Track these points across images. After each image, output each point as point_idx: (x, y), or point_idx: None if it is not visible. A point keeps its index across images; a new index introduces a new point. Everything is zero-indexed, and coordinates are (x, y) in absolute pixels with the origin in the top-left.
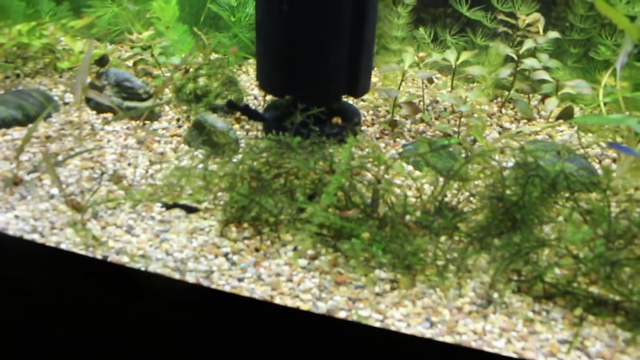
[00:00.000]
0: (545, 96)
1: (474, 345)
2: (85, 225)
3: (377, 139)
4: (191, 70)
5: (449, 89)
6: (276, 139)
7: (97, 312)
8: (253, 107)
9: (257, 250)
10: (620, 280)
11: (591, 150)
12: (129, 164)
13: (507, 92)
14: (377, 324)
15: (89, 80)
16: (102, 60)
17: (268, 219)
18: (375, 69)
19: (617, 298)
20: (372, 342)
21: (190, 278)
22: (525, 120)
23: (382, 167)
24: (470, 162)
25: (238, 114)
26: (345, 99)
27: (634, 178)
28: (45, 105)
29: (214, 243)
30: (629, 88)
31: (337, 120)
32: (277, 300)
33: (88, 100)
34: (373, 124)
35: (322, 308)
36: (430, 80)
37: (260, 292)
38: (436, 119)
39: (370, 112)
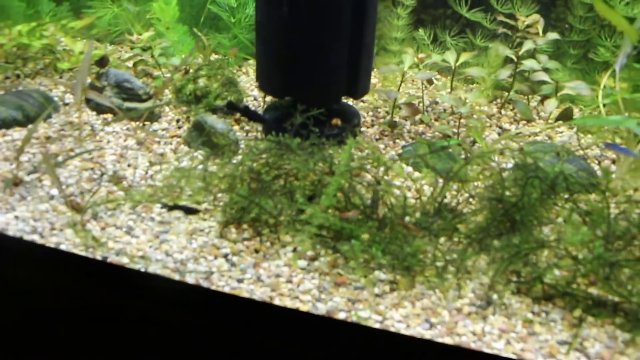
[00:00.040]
0: (544, 97)
1: (473, 346)
2: (85, 226)
3: (376, 140)
4: (191, 71)
5: (449, 90)
6: (276, 140)
7: (97, 313)
8: (253, 108)
9: (256, 251)
10: (619, 281)
11: (590, 152)
12: (129, 165)
13: (506, 93)
14: (377, 325)
15: (89, 81)
16: (102, 61)
17: (268, 220)
18: (375, 70)
19: (617, 299)
20: (372, 343)
21: (189, 279)
22: (524, 122)
23: (382, 169)
24: (470, 164)
25: (238, 115)
26: (345, 100)
27: (633, 179)
28: (45, 106)
29: (214, 244)
30: (628, 89)
31: (336, 121)
32: (277, 301)
33: (88, 101)
34: (373, 125)
35: (321, 309)
36: (430, 82)
37: (259, 293)
38: (436, 120)
39: (370, 113)
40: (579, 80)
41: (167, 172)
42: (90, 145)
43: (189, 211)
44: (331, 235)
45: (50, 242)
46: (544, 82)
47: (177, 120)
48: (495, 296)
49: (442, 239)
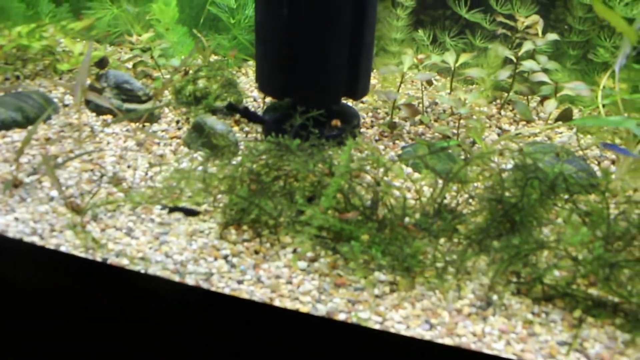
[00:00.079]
0: (544, 98)
1: (473, 347)
2: (85, 227)
3: (376, 140)
4: (191, 72)
5: (448, 91)
6: (275, 141)
7: (97, 315)
8: (252, 109)
9: (256, 252)
10: (619, 281)
11: (590, 152)
12: (129, 166)
13: (506, 94)
14: (377, 326)
15: (88, 82)
16: (101, 62)
17: (267, 222)
18: (375, 71)
19: (616, 300)
20: (372, 344)
21: (189, 280)
22: (524, 122)
23: (381, 170)
24: (469, 164)
25: (237, 116)
26: (344, 101)
27: (632, 180)
28: (45, 108)
29: (214, 245)
30: (627, 90)
31: (336, 122)
32: (277, 303)
33: (88, 102)
34: (372, 126)
35: (321, 310)
36: (430, 82)
37: (259, 294)
38: (435, 120)
39: (370, 114)
40: (578, 81)
41: (167, 174)
42: (90, 147)
43: (189, 213)
44: (331, 237)
45: (50, 243)
46: (543, 83)
47: (177, 122)
48: (495, 297)
49: (441, 240)
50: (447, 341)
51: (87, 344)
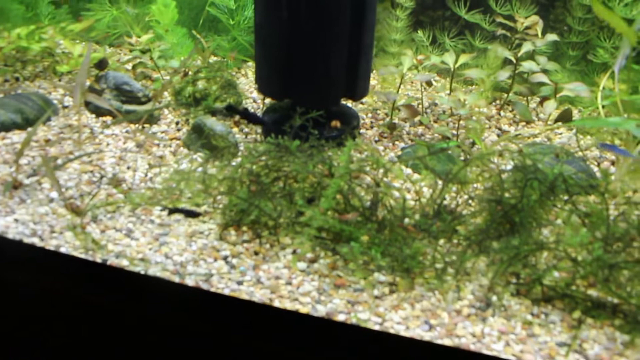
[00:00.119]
0: (543, 99)
1: (472, 348)
2: (85, 228)
3: (376, 141)
4: (190, 73)
5: (448, 91)
6: (275, 142)
7: (96, 316)
8: (252, 111)
9: (256, 253)
10: (618, 283)
11: (589, 153)
12: (128, 168)
13: (505, 95)
14: (376, 327)
15: (88, 83)
16: (101, 64)
17: (267, 222)
18: (374, 71)
19: (616, 301)
20: (371, 345)
21: (189, 281)
22: (523, 123)
23: (381, 170)
24: (469, 165)
25: (237, 117)
26: (344, 102)
27: (632, 181)
28: (45, 109)
29: (213, 246)
30: (627, 91)
31: (336, 123)
32: (277, 303)
33: (87, 104)
34: (372, 127)
35: (321, 311)
36: (429, 83)
37: (259, 295)
38: (435, 121)
39: (369, 115)
40: (578, 81)
41: (167, 175)
42: (90, 148)
43: (190, 214)
44: (331, 237)
45: (50, 244)
46: (543, 84)
47: (177, 123)
48: (494, 298)
49: (441, 241)
50: (447, 342)
51: (87, 345)
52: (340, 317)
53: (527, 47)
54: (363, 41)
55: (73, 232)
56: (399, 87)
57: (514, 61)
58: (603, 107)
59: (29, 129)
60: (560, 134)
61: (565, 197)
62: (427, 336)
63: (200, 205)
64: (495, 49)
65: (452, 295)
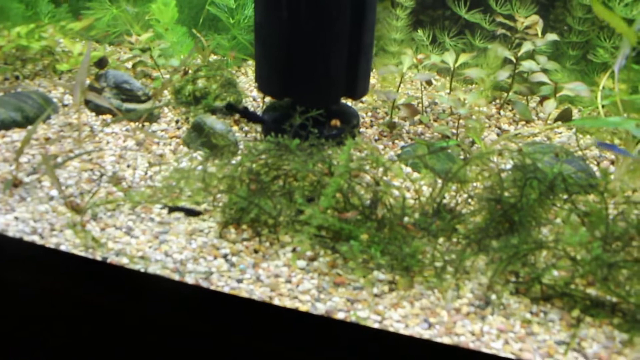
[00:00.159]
0: (543, 98)
1: (471, 346)
2: (85, 226)
3: (375, 140)
4: (190, 72)
5: (448, 91)
6: (275, 141)
7: (96, 313)
8: (252, 109)
9: (256, 251)
10: (617, 282)
11: (589, 152)
12: (128, 166)
13: (505, 94)
14: (376, 325)
15: (88, 82)
16: (101, 62)
17: (267, 221)
18: (374, 70)
19: (615, 300)
20: (371, 343)
21: (189, 279)
22: (523, 122)
23: (381, 169)
24: (469, 164)
25: (237, 115)
26: (344, 101)
27: (631, 180)
28: (45, 107)
29: (213, 244)
30: (626, 90)
31: (335, 122)
32: (276, 302)
33: (87, 102)
34: (372, 126)
35: (320, 309)
36: (429, 82)
37: (259, 293)
38: (435, 120)
39: (369, 114)
40: (577, 81)
41: (167, 173)
42: (90, 146)
43: (191, 213)
44: (330, 236)
45: (50, 242)
46: (543, 83)
47: (176, 121)
48: (493, 296)
49: (440, 240)
50: (446, 340)
51: (87, 342)
52: (340, 315)
53: (527, 46)
54: (363, 41)
55: (73, 230)
56: (399, 86)
57: (514, 61)
58: (603, 106)
59: (29, 127)
60: (560, 133)
61: (565, 196)
62: (426, 334)
63: (200, 204)
64: (495, 48)
65: (452, 293)
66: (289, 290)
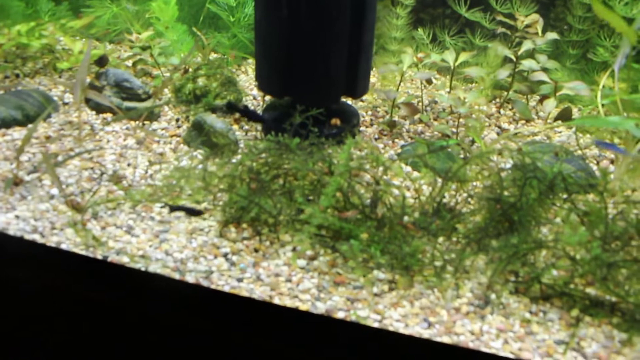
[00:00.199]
0: (543, 97)
1: (471, 345)
2: (86, 225)
3: (375, 139)
4: (190, 70)
5: (448, 89)
6: (275, 140)
7: (97, 312)
8: (252, 108)
9: (256, 250)
10: (616, 281)
11: (589, 152)
12: (129, 165)
13: (505, 93)
14: (376, 324)
15: (88, 80)
16: (101, 61)
17: (267, 220)
18: (374, 69)
19: (614, 299)
20: (371, 343)
21: (189, 278)
22: (523, 121)
23: (381, 168)
24: (469, 163)
25: (237, 114)
26: (344, 100)
27: (631, 179)
28: (45, 106)
29: (214, 243)
30: (626, 90)
31: (336, 121)
32: (276, 301)
33: (87, 101)
34: (372, 125)
35: (320, 308)
36: (429, 81)
37: (259, 292)
38: (435, 119)
39: (369, 112)
40: (577, 80)
41: (167, 172)
42: (90, 145)
43: (192, 213)
44: (330, 235)
45: (51, 241)
46: (542, 82)
47: (177, 120)
48: (493, 296)
49: (440, 239)
50: (445, 339)
51: (88, 341)
52: (340, 315)
53: (527, 45)
54: (363, 40)
55: (74, 229)
56: (399, 84)
57: (514, 59)
58: (603, 105)
59: (30, 126)
60: (560, 132)
61: (564, 196)
62: (426, 334)
63: (200, 203)
64: (496, 47)
65: (451, 293)
66: (289, 290)
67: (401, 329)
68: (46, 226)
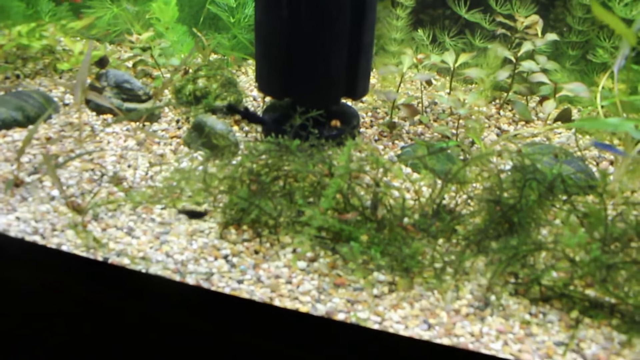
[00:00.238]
0: (543, 98)
1: (471, 347)
2: (86, 227)
3: (375, 140)
4: (190, 71)
5: (448, 91)
6: (275, 141)
7: (97, 314)
8: (252, 109)
9: (256, 252)
10: (616, 283)
11: (588, 153)
12: (129, 166)
13: (505, 94)
14: (376, 326)
15: (88, 81)
16: (102, 62)
17: (267, 222)
18: (374, 70)
19: (613, 301)
20: (371, 344)
21: (190, 280)
22: (523, 122)
23: (381, 170)
24: (468, 165)
25: (237, 116)
26: (344, 101)
27: (630, 181)
28: (46, 107)
29: (214, 245)
30: (626, 91)
31: (336, 122)
32: (277, 302)
33: (88, 102)
34: (372, 126)
35: (321, 310)
36: (429, 82)
37: (259, 294)
38: (435, 120)
39: (369, 114)
40: (577, 81)
41: (167, 173)
42: (91, 146)
43: (196, 216)
44: (330, 237)
45: (52, 243)
46: (542, 83)
47: (177, 121)
48: (493, 297)
49: (440, 241)
50: (445, 341)
51: (88, 343)
52: (340, 316)
53: (526, 46)
54: (363, 40)
55: (74, 231)
56: (399, 86)
57: (514, 60)
58: (602, 107)
59: (30, 127)
60: (560, 133)
61: (564, 197)
62: (426, 335)
63: (200, 204)
64: (495, 48)
65: (451, 294)
66: (289, 291)
67: (401, 330)
68: (47, 228)
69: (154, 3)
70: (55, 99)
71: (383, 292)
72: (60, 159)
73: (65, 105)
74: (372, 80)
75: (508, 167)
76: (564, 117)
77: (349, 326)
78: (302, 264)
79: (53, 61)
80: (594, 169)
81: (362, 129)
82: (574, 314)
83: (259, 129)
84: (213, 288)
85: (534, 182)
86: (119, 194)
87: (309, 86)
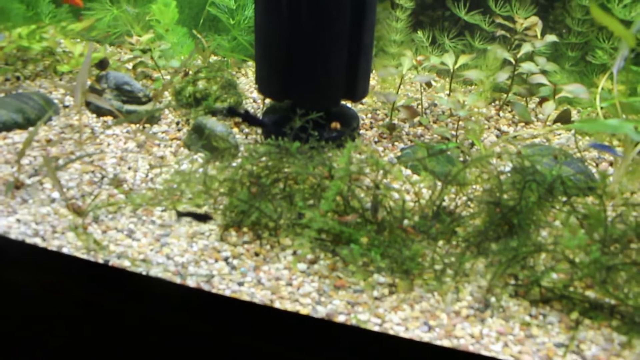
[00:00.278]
0: (542, 99)
1: (471, 348)
2: (87, 229)
3: (375, 142)
4: (190, 73)
5: (447, 92)
6: (275, 143)
7: (98, 316)
8: (252, 111)
9: (256, 254)
10: (616, 284)
11: (588, 154)
12: (129, 168)
13: (504, 96)
14: (376, 328)
15: (89, 83)
16: (102, 64)
17: (268, 224)
18: (374, 72)
19: (613, 302)
20: (371, 346)
21: (190, 282)
22: (522, 124)
23: (381, 172)
24: (468, 167)
25: (238, 118)
26: (343, 103)
27: (630, 182)
28: (46, 109)
29: (214, 247)
30: (625, 92)
31: (335, 124)
32: (277, 305)
33: (88, 104)
34: (371, 128)
35: (321, 312)
36: (429, 84)
37: (260, 296)
38: (434, 122)
39: (369, 115)
40: (576, 82)
41: (168, 175)
42: (91, 148)
43: (200, 218)
44: (330, 239)
45: (52, 245)
46: (542, 85)
47: (177, 123)
48: (493, 299)
49: (440, 243)
50: (446, 343)
51: (89, 345)
52: (340, 318)
53: (526, 48)
54: (363, 41)
55: (75, 233)
56: (399, 87)
57: (513, 62)
58: (602, 108)
59: (31, 129)
60: (559, 134)
61: (564, 199)
62: (426, 337)
63: (201, 206)
64: (495, 49)
65: (451, 296)
66: (289, 293)
67: (401, 332)
68: (47, 230)
69: (154, 5)
70: (56, 101)
71: (383, 294)
72: (61, 161)
73: (66, 107)
74: (372, 82)
75: (508, 168)
76: (564, 119)
77: (349, 328)
78: (302, 266)
79: (53, 63)
80: (594, 170)
81: (362, 131)
82: (574, 315)
83: (259, 131)
84: (213, 290)
85: (534, 183)
86: (119, 196)
87: (308, 87)
